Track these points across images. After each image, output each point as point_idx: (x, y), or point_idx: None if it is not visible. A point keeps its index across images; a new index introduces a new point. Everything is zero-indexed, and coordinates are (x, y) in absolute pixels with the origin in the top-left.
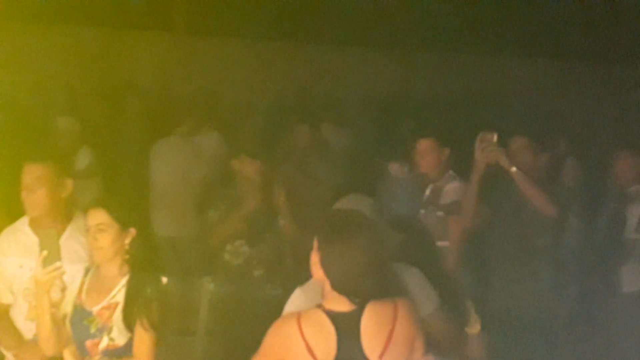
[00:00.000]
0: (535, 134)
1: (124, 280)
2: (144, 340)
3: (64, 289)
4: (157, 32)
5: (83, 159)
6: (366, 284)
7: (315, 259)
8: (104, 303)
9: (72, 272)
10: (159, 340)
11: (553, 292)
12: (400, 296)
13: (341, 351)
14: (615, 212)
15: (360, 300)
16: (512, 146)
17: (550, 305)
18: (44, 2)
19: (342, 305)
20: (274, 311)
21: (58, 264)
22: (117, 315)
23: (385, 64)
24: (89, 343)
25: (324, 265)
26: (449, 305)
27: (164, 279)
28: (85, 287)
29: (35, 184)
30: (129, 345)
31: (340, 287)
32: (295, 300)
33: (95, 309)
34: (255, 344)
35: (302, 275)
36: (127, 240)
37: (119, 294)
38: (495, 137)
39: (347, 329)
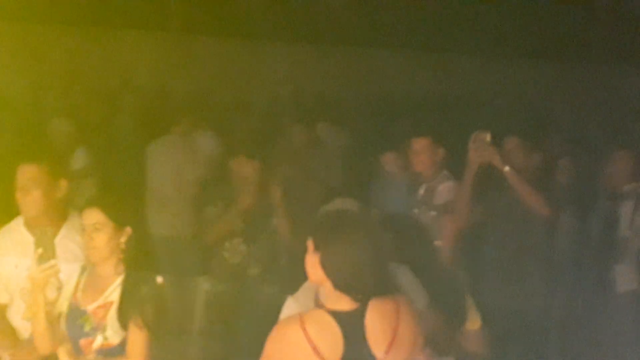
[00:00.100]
0: (529, 133)
1: (119, 280)
2: (137, 340)
3: (60, 288)
4: (153, 32)
5: (79, 159)
6: (368, 281)
7: (312, 260)
8: (99, 302)
9: (68, 271)
10: (154, 339)
11: (546, 291)
12: (398, 293)
13: (348, 350)
14: (609, 211)
15: (363, 297)
16: (506, 146)
17: (544, 305)
18: (39, 2)
19: (344, 304)
20: (269, 311)
21: (53, 262)
22: (112, 314)
23: (380, 64)
24: (83, 342)
25: (325, 265)
26: (447, 301)
27: (159, 279)
28: (81, 286)
29: (30, 185)
30: (123, 345)
31: (342, 285)
32: (288, 309)
33: (90, 308)
34: (250, 343)
35: (298, 275)
36: (123, 240)
37: (114, 293)
38: (488, 137)
39: (352, 327)
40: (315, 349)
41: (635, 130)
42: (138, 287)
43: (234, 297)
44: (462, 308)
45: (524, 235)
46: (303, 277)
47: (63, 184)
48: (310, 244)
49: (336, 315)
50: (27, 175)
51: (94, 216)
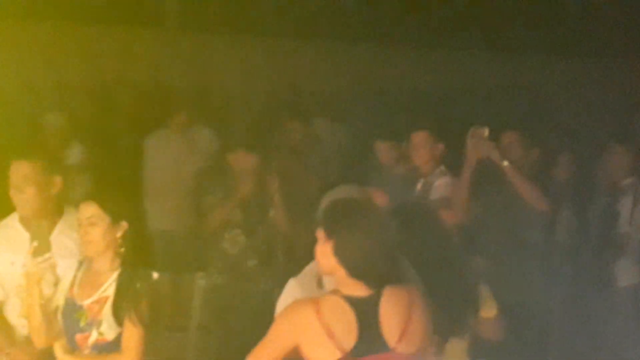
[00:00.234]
0: (527, 128)
1: (115, 275)
2: (132, 336)
3: (56, 283)
4: (149, 28)
5: (74, 154)
6: (382, 267)
7: (323, 250)
8: (95, 297)
9: (65, 266)
10: (150, 335)
11: (546, 286)
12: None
13: (362, 336)
14: (608, 206)
15: (378, 283)
16: (504, 141)
17: (544, 300)
18: None
19: (359, 290)
20: (266, 306)
21: (48, 255)
22: (107, 309)
23: (377, 59)
24: (78, 337)
25: (339, 253)
26: (461, 288)
27: (155, 274)
28: (77, 280)
29: (24, 183)
30: (118, 340)
31: (357, 272)
32: (291, 291)
33: (85, 303)
34: (247, 338)
35: (295, 266)
36: (119, 234)
37: (109, 288)
38: (486, 132)
39: (366, 314)
40: (330, 334)
41: (634, 124)
42: (133, 283)
43: (232, 290)
44: (475, 296)
45: (522, 231)
46: (300, 268)
47: (58, 180)
48: (320, 233)
49: (351, 300)
50: (21, 172)
51: (90, 210)
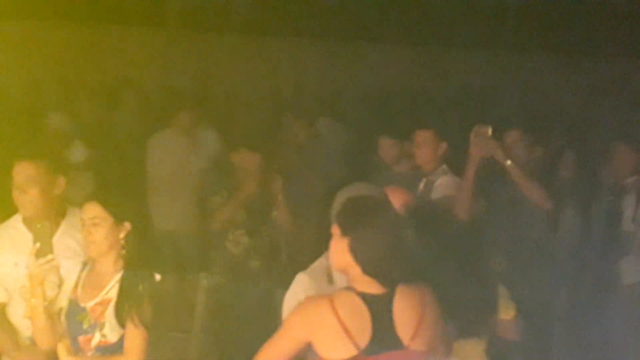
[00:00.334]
0: (530, 127)
1: (118, 276)
2: (135, 338)
3: (60, 284)
4: (151, 28)
5: (77, 155)
6: (396, 266)
7: (339, 246)
8: (98, 299)
9: (68, 267)
10: (153, 337)
11: (550, 285)
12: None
13: (376, 333)
14: (612, 204)
15: (392, 282)
16: (507, 139)
17: (548, 299)
18: None
19: (373, 287)
20: (269, 306)
21: (50, 256)
22: (110, 311)
23: (381, 58)
24: (81, 339)
25: (354, 250)
26: (479, 289)
27: (158, 276)
28: (80, 282)
29: (27, 183)
30: (121, 342)
31: (372, 270)
32: (301, 284)
33: (89, 305)
34: (250, 339)
35: (298, 266)
36: (122, 235)
37: (112, 290)
38: (489, 131)
39: (380, 311)
40: (345, 330)
41: (638, 123)
42: (136, 285)
43: (235, 291)
44: (493, 297)
45: (526, 229)
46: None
47: (61, 181)
48: (335, 229)
49: (365, 297)
50: (25, 173)
51: (93, 210)
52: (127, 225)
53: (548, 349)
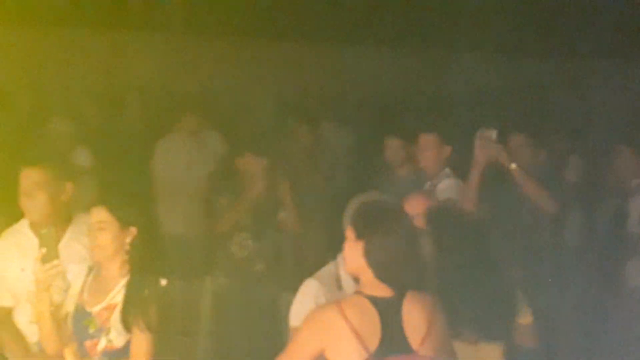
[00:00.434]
0: (535, 130)
1: (123, 281)
2: (141, 342)
3: (66, 289)
4: (156, 33)
5: (83, 160)
6: (409, 272)
7: (353, 249)
8: (103, 304)
9: (75, 272)
10: (159, 341)
11: (556, 288)
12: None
13: (385, 336)
14: (617, 207)
15: (403, 287)
16: (512, 143)
17: (554, 302)
18: (41, 3)
19: (383, 291)
20: (274, 310)
21: (56, 262)
22: (116, 316)
23: (384, 62)
24: (88, 343)
25: (368, 254)
26: (498, 294)
27: (163, 281)
28: (87, 287)
29: (35, 189)
30: (127, 347)
31: (384, 275)
32: (310, 290)
33: (94, 310)
34: (255, 344)
35: (303, 270)
36: (128, 240)
37: (118, 295)
38: (494, 135)
39: (390, 314)
40: (354, 331)
41: None
42: (141, 290)
43: (240, 295)
44: (512, 301)
45: (531, 233)
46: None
47: (68, 186)
48: (350, 233)
49: (374, 300)
50: (32, 179)
51: (100, 215)
52: (133, 230)
53: (554, 352)
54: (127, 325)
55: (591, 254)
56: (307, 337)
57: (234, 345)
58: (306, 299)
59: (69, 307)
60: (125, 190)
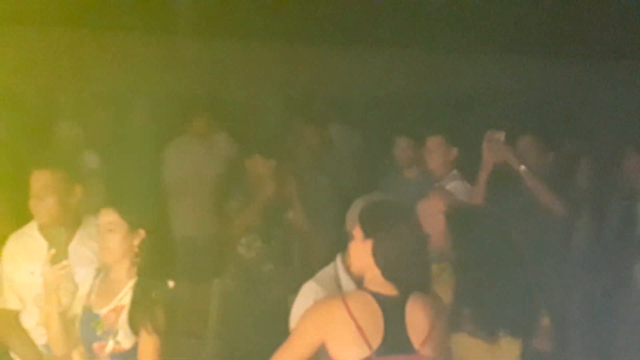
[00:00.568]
0: (543, 132)
1: (131, 283)
2: (148, 345)
3: (74, 291)
4: (163, 35)
5: (93, 162)
6: (416, 272)
7: (360, 248)
8: (111, 306)
9: (83, 274)
10: (167, 342)
11: (565, 290)
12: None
13: (388, 334)
14: (626, 209)
15: (408, 287)
16: (520, 145)
17: (563, 304)
18: (48, 5)
19: (388, 289)
20: (282, 311)
21: (65, 262)
22: (124, 318)
23: (391, 63)
24: (96, 346)
25: (376, 254)
26: (519, 293)
27: (171, 283)
28: (95, 289)
29: (44, 192)
30: (135, 349)
31: (392, 274)
32: (311, 293)
33: (102, 312)
34: (263, 345)
35: (311, 271)
36: (136, 242)
37: (125, 297)
38: (502, 136)
39: (393, 312)
40: (358, 327)
41: None
42: (149, 292)
43: (248, 297)
44: (533, 300)
45: (540, 235)
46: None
47: (78, 189)
48: (357, 232)
49: (379, 298)
50: (42, 181)
51: (109, 217)
52: (142, 232)
53: (563, 354)
54: (134, 328)
55: (600, 256)
56: (309, 329)
57: (241, 347)
58: (306, 302)
59: (77, 309)
60: (134, 192)
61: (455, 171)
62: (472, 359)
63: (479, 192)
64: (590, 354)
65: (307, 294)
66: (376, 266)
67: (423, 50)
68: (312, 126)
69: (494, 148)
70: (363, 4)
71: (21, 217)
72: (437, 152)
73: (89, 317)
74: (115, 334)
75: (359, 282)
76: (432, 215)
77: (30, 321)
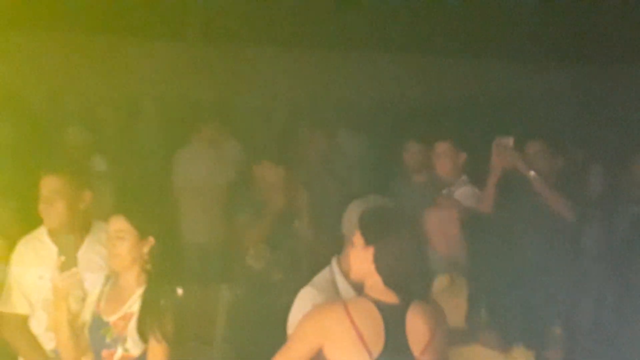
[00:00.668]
0: (552, 137)
1: (140, 291)
2: (157, 352)
3: (84, 298)
4: (172, 40)
5: (102, 168)
6: (417, 280)
7: (361, 255)
8: (120, 313)
9: (92, 280)
10: (176, 350)
11: (575, 295)
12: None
13: (389, 342)
14: (636, 214)
15: (409, 295)
16: (529, 150)
17: (573, 309)
18: (58, 11)
19: (388, 297)
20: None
21: (74, 269)
22: (132, 326)
23: (400, 69)
24: (105, 353)
25: (378, 261)
26: (532, 302)
27: (179, 291)
28: (104, 296)
29: (54, 197)
30: (143, 357)
31: (393, 282)
32: (309, 298)
33: (111, 319)
34: (271, 353)
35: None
36: (146, 249)
37: (134, 305)
38: (511, 142)
39: (394, 320)
40: (359, 334)
41: None
42: (157, 299)
43: (256, 304)
44: (545, 311)
45: (549, 241)
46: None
47: (87, 194)
48: (358, 238)
49: (380, 305)
50: (51, 186)
51: (119, 224)
52: (151, 240)
53: (574, 358)
54: (143, 335)
55: (610, 261)
56: (308, 331)
57: (250, 354)
58: (304, 307)
59: (86, 316)
60: (144, 199)
61: (465, 176)
62: None
63: (487, 197)
64: (600, 357)
65: (305, 300)
66: (378, 274)
67: (431, 56)
68: (321, 131)
69: (502, 154)
70: (371, 10)
71: (31, 221)
72: (445, 157)
73: (98, 324)
74: (124, 342)
75: (357, 287)
76: (444, 224)
77: (39, 326)
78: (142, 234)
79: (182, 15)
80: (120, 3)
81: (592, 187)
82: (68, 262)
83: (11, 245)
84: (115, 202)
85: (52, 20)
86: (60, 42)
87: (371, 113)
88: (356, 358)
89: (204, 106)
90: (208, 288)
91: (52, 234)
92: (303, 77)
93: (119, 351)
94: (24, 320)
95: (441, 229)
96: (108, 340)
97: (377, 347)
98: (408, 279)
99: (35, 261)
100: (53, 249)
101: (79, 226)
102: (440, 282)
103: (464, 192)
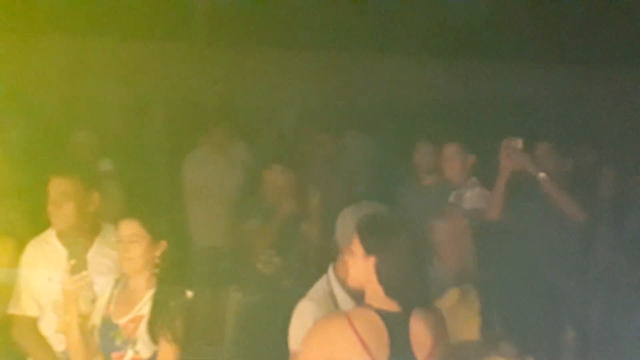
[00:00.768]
0: (561, 139)
1: (150, 293)
2: (167, 354)
3: (94, 300)
4: (180, 44)
5: (112, 171)
6: (419, 288)
7: (362, 264)
8: (130, 316)
9: (102, 283)
10: (186, 352)
11: (585, 297)
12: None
13: (394, 351)
14: None
15: (411, 304)
16: (538, 152)
17: (583, 313)
18: (67, 15)
19: (390, 305)
20: None
21: (85, 273)
22: (142, 328)
23: (408, 71)
24: (115, 355)
25: (380, 271)
26: (543, 309)
27: (189, 293)
28: (114, 298)
29: (63, 199)
30: (154, 359)
31: (395, 292)
32: (307, 313)
33: (121, 322)
34: (280, 356)
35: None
36: (158, 253)
37: (144, 307)
38: (520, 144)
39: (397, 328)
40: (364, 344)
41: None
42: (168, 302)
43: (265, 306)
44: (556, 317)
45: (559, 244)
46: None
47: (96, 197)
48: (358, 247)
49: (383, 314)
50: (60, 188)
51: (132, 228)
52: (163, 244)
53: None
54: (153, 337)
55: (620, 264)
56: (315, 347)
57: (259, 356)
58: (304, 321)
59: (96, 318)
60: (157, 203)
61: (474, 178)
62: None
63: (496, 199)
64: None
65: (304, 314)
66: (379, 283)
67: (440, 58)
68: (329, 134)
69: (511, 155)
70: (380, 12)
71: (40, 224)
72: (454, 159)
73: (108, 326)
74: (134, 344)
75: (355, 296)
76: (454, 236)
77: (48, 328)
78: (155, 238)
79: (191, 19)
80: (128, 7)
81: (602, 189)
82: (78, 265)
83: (20, 248)
84: (124, 205)
85: (60, 25)
86: (69, 46)
87: (380, 115)
88: None
89: (213, 109)
90: (218, 291)
91: (60, 236)
92: (312, 79)
93: (129, 353)
94: (33, 323)
95: (451, 241)
96: (118, 342)
97: (383, 357)
98: (410, 287)
99: (44, 263)
100: (62, 251)
101: (88, 229)
102: (451, 296)
103: (474, 194)
